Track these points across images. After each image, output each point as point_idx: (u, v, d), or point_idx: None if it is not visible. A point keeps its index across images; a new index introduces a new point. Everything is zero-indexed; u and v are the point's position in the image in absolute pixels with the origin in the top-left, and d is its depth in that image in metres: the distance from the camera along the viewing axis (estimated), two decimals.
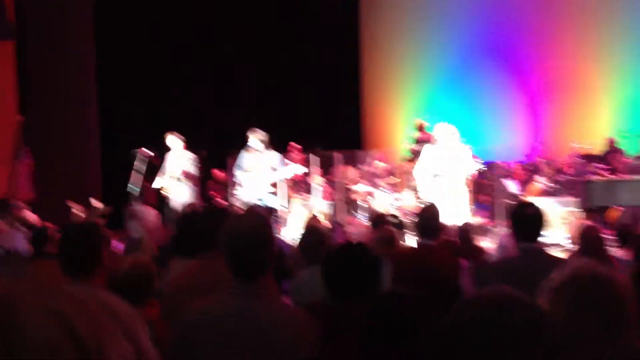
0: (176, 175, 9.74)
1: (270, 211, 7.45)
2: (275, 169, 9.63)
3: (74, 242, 3.13)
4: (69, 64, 12.13)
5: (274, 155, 9.71)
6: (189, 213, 4.19)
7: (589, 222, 7.41)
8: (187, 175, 9.76)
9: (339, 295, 3.09)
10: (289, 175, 10.22)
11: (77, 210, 8.03)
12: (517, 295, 1.61)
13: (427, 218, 4.30)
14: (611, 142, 12.24)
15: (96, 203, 8.03)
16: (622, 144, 12.19)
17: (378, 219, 6.22)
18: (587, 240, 4.74)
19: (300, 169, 10.16)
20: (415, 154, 11.67)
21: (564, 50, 14.61)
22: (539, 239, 3.66)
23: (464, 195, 9.13)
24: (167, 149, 9.97)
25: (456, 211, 8.86)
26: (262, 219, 2.77)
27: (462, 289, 4.02)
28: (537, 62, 14.90)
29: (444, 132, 9.09)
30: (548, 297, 1.78)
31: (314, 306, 3.20)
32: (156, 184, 9.89)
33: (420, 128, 12.09)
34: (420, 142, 11.84)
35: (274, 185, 9.75)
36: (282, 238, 8.43)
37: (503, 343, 1.52)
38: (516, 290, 1.63)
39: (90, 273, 3.05)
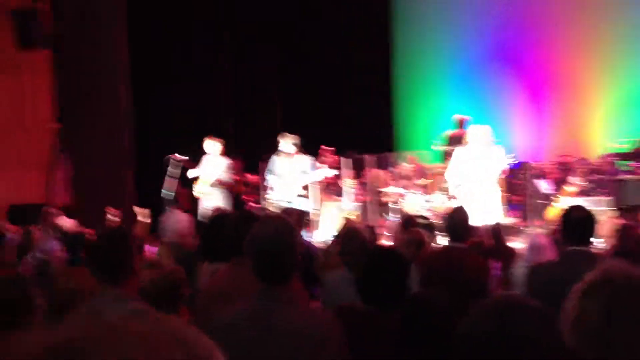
0: (211, 181, 9.77)
1: (302, 214, 7.45)
2: (306, 173, 9.66)
3: (103, 249, 3.17)
4: (104, 72, 12.32)
5: (305, 159, 9.74)
6: (215, 218, 4.20)
7: (626, 221, 7.31)
8: (222, 183, 9.79)
9: (372, 300, 3.12)
10: (320, 179, 10.25)
11: (112, 216, 8.13)
12: (523, 303, 1.61)
13: (456, 221, 4.29)
14: None
15: (139, 210, 8.10)
16: None
17: (408, 221, 6.21)
18: (627, 239, 4.68)
19: (330, 172, 10.17)
20: (448, 154, 11.62)
21: (583, 54, 14.67)
22: (590, 242, 3.61)
23: (497, 196, 9.06)
24: (203, 153, 10.00)
25: (488, 211, 8.80)
26: (287, 224, 2.72)
27: (489, 292, 4.00)
28: (552, 65, 15.01)
29: (477, 133, 9.03)
30: (579, 299, 1.74)
31: (345, 309, 3.23)
32: (195, 190, 9.91)
33: (460, 124, 11.88)
34: (453, 139, 11.73)
35: (305, 188, 9.78)
36: (312, 241, 8.46)
37: (506, 352, 1.53)
38: (526, 298, 1.63)
39: (121, 280, 3.07)
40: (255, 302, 2.58)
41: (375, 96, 16.70)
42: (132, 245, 3.26)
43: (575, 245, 3.55)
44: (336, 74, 16.33)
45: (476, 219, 7.78)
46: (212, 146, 9.88)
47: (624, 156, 11.91)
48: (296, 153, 9.66)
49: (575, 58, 14.71)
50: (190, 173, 9.87)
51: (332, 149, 12.87)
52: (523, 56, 15.25)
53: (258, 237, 2.60)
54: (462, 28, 15.87)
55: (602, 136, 12.92)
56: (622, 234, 4.78)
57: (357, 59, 16.62)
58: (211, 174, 9.77)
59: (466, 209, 4.88)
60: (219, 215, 4.45)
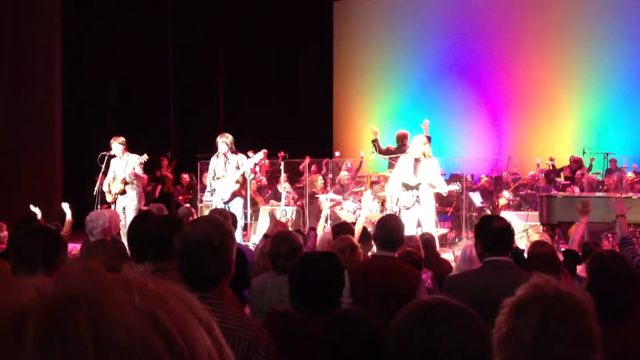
0: (124, 178, 9.59)
1: (235, 217, 7.33)
2: (240, 167, 9.51)
3: (23, 242, 3.03)
4: (31, 62, 11.90)
5: (241, 158, 9.62)
6: (137, 218, 4.08)
7: (541, 237, 7.47)
8: (136, 177, 9.65)
9: (303, 304, 3.07)
10: (252, 165, 10.04)
11: (37, 212, 7.87)
12: (447, 304, 1.60)
13: (386, 229, 4.25)
14: (576, 160, 12.38)
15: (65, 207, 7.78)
16: (587, 162, 12.35)
17: (340, 228, 6.17)
18: (538, 256, 4.72)
19: (260, 156, 9.99)
20: (390, 165, 11.60)
21: (527, 69, 14.99)
22: (506, 252, 3.61)
23: (431, 206, 9.13)
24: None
25: (422, 221, 8.87)
26: (218, 225, 2.56)
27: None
28: (501, 80, 15.29)
29: (416, 144, 9.07)
30: (510, 314, 1.74)
31: (276, 315, 3.16)
32: (108, 192, 9.70)
33: (402, 139, 11.50)
34: (389, 152, 11.63)
35: (239, 192, 9.60)
36: (246, 245, 8.35)
37: (431, 351, 1.52)
38: (450, 299, 1.62)
39: (40, 274, 2.95)
40: None
41: (316, 103, 16.74)
42: (55, 240, 3.11)
43: (491, 255, 3.56)
44: (281, 82, 16.29)
45: (409, 229, 7.84)
46: (116, 147, 9.69)
47: (554, 173, 12.23)
48: (232, 153, 9.54)
49: (523, 76, 15.02)
50: (107, 188, 9.67)
51: (267, 152, 12.80)
52: (472, 70, 15.47)
53: (186, 238, 2.49)
54: (404, 41, 16.04)
55: (536, 153, 13.20)
56: (535, 250, 4.79)
57: (300, 68, 16.60)
58: (122, 172, 9.61)
59: (399, 218, 4.87)
60: (140, 215, 4.30)
